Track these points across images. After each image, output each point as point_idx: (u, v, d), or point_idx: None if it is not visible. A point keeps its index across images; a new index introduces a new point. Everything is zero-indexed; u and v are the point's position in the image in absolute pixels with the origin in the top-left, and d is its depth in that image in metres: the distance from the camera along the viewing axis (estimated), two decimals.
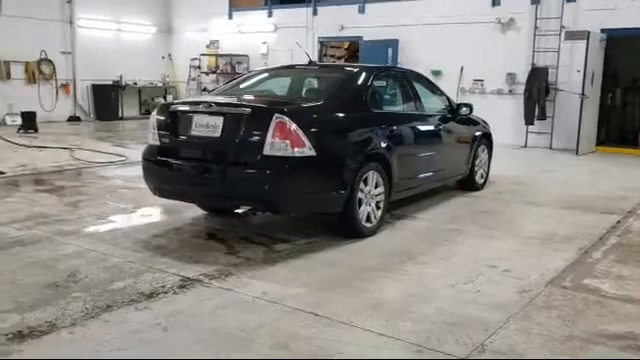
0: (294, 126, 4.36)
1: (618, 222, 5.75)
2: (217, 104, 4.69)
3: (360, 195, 4.88)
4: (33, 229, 5.20)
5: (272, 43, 16.32)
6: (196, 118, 4.72)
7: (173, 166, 4.84)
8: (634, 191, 7.48)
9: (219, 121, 4.58)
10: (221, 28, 17.30)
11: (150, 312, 3.42)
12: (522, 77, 12.09)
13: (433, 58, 12.87)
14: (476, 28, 12.44)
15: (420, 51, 13.08)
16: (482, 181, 7.39)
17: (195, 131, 4.72)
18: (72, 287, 3.80)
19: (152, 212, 6.03)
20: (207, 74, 17.64)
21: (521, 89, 12.03)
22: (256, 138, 4.43)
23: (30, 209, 5.97)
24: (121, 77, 17.17)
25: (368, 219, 5.03)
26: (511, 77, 12.31)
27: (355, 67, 5.68)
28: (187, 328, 3.22)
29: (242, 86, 5.70)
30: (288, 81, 5.83)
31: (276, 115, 4.38)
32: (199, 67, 17.92)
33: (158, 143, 4.99)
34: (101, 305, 3.49)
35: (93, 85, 16.52)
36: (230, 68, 17.03)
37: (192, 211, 5.89)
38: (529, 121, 11.87)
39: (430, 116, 6.17)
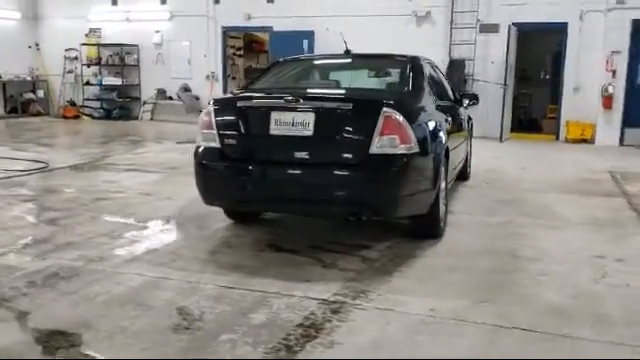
0: (403, 120, 3.95)
1: (630, 203, 6.11)
2: (306, 98, 4.08)
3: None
4: (50, 258, 4.17)
5: (167, 32, 15.11)
6: (275, 115, 4.07)
7: (252, 171, 4.14)
8: (595, 173, 8.07)
9: (309, 118, 3.99)
10: (103, 15, 15.63)
11: (345, 348, 2.85)
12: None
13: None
14: (394, 21, 12.59)
15: (338, 43, 12.87)
16: (469, 170, 7.46)
17: (276, 130, 4.06)
18: (205, 327, 3.06)
19: (163, 224, 5.19)
20: (88, 66, 15.85)
21: None
22: (360, 135, 3.94)
23: (7, 233, 4.82)
24: None
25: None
26: None
27: (401, 56, 5.31)
28: None
29: (289, 78, 5.07)
30: (340, 72, 5.33)
31: (384, 109, 3.93)
32: (76, 58, 16.05)
33: (218, 145, 4.23)
34: (276, 347, 2.84)
35: None
36: (119, 59, 15.46)
37: (207, 220, 5.18)
38: None
39: (456, 107, 6.04)
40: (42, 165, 8.18)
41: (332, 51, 12.80)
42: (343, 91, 4.71)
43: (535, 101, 14.30)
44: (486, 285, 3.73)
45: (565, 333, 3.01)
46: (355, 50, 12.04)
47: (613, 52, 11.11)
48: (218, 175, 4.27)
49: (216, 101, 4.40)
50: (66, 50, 16.01)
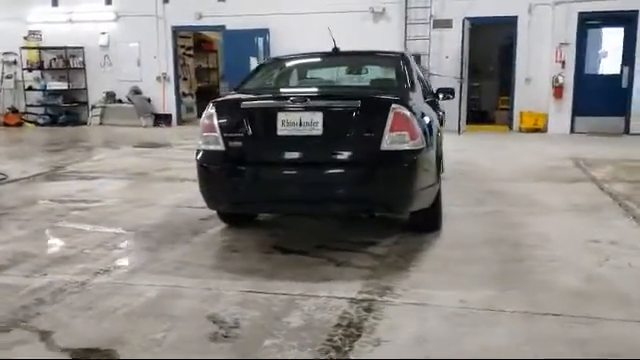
0: (411, 116, 4.00)
1: (602, 189, 6.40)
2: (313, 97, 4.05)
3: None
4: (49, 274, 3.97)
5: (114, 33, 14.61)
6: (282, 115, 4.02)
7: (260, 173, 4.08)
8: (558, 160, 8.40)
9: (317, 117, 3.96)
10: (43, 17, 14.90)
11: (393, 345, 2.85)
12: None
13: (308, 48, 12.70)
14: (350, 17, 12.63)
15: (294, 41, 12.75)
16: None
17: (284, 130, 4.02)
18: (244, 334, 3.00)
19: (156, 232, 4.99)
20: (30, 70, 15.11)
21: None
22: (370, 132, 3.96)
23: None
24: None
25: None
26: None
27: (390, 52, 5.34)
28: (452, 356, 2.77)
29: (281, 78, 5.01)
30: (333, 70, 5.29)
31: (394, 105, 3.96)
32: (15, 63, 15.28)
33: (222, 148, 4.14)
34: (324, 348, 2.82)
35: None
36: (63, 63, 14.82)
37: (199, 225, 5.09)
38: None
39: (436, 101, 6.13)
40: (0, 176, 7.76)
41: (290, 50, 12.80)
42: (347, 89, 4.70)
43: (485, 93, 14.70)
44: (502, 274, 3.82)
45: (594, 315, 3.13)
46: (313, 48, 12.02)
47: (562, 44, 11.59)
48: (224, 178, 4.18)
49: (218, 103, 4.30)
50: (3, 54, 15.20)
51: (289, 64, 5.52)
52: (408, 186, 4.01)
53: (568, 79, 11.69)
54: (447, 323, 3.09)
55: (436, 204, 4.54)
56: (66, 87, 14.79)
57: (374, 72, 5.37)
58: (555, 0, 11.63)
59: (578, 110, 11.80)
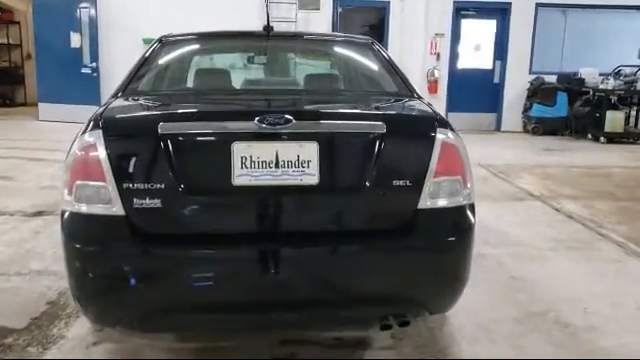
0: (461, 147, 2.36)
1: (558, 210, 5.41)
2: (299, 115, 2.18)
3: None
4: None
5: None
6: (242, 148, 2.12)
7: (200, 260, 2.12)
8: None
9: (309, 151, 2.14)
10: None
11: None
12: None
13: (146, 23, 10.38)
14: None
15: (128, 14, 10.50)
16: None
17: (244, 176, 2.12)
18: None
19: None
20: None
21: None
22: (401, 179, 2.23)
23: None
24: None
25: None
26: None
27: (351, 37, 3.61)
28: None
29: (202, 72, 2.99)
30: (277, 61, 3.37)
31: (439, 130, 2.28)
32: None
33: (119, 211, 2.10)
34: None
35: None
36: None
37: (41, 318, 2.98)
38: None
39: None
40: None
41: (119, 22, 10.38)
42: (348, 98, 2.88)
43: None
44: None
45: None
46: (157, 25, 9.75)
47: (437, 34, 10.75)
48: (128, 271, 2.13)
49: (107, 121, 2.21)
50: None
51: (204, 50, 3.51)
52: (462, 269, 2.37)
53: (443, 73, 10.91)
54: None
55: None
56: None
57: (351, 68, 3.56)
58: None
59: (451, 106, 11.10)
